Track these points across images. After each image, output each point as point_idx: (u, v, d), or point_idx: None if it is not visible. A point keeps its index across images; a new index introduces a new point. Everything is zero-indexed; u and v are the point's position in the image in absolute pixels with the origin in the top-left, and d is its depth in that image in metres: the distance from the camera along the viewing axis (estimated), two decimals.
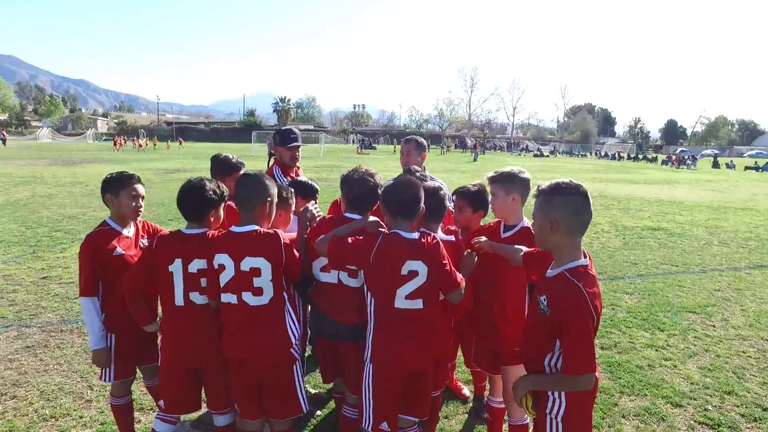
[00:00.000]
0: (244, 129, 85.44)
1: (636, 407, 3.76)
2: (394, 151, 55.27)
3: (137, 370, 3.06)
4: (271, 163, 4.24)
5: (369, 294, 2.56)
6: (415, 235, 2.52)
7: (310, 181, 3.39)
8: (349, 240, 2.53)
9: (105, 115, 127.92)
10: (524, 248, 2.67)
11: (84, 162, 29.06)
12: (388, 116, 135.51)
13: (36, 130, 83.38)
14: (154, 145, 57.63)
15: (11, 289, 5.95)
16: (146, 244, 2.88)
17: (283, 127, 4.20)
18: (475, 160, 44.22)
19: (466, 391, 3.88)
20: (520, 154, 68.10)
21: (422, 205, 2.59)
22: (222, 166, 3.50)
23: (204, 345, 2.60)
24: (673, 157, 52.02)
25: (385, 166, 29.67)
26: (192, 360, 2.64)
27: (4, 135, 57.83)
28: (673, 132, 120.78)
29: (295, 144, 4.09)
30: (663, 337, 5.10)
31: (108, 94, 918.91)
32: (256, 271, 2.47)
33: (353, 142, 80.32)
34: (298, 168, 4.30)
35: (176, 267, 2.56)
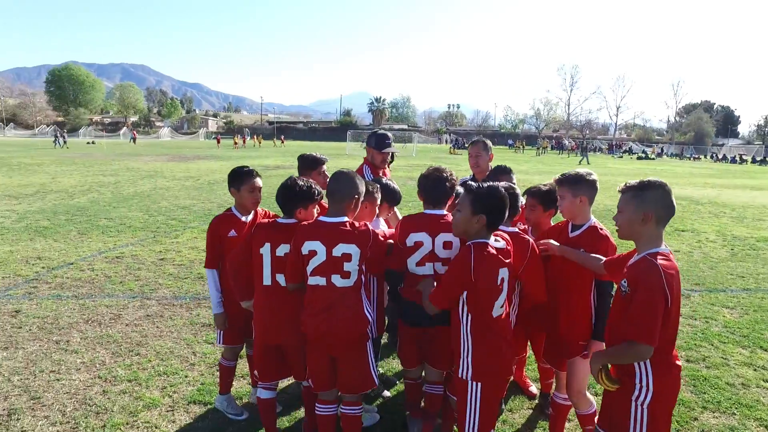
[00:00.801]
0: (340, 128, 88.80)
1: (720, 425, 3.55)
2: None
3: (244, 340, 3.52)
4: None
5: (465, 310, 2.55)
6: (502, 243, 2.60)
7: (396, 188, 3.55)
8: (443, 280, 2.62)
9: (215, 116, 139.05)
10: (602, 257, 2.74)
11: (196, 158, 32.08)
12: (483, 116, 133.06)
13: (158, 130, 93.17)
14: (259, 143, 62.22)
15: (136, 267, 6.93)
16: None
17: (380, 131, 4.38)
18: (587, 162, 40.66)
19: (534, 388, 3.91)
20: (621, 156, 63.30)
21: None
22: (307, 162, 3.82)
23: (286, 323, 2.91)
24: None
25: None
26: (274, 337, 2.95)
27: (135, 135, 65.53)
28: None
29: (389, 150, 4.36)
30: (766, 357, 4.69)
31: (218, 95, 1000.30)
32: (347, 257, 2.70)
33: (446, 142, 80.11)
34: (387, 168, 4.56)
35: (265, 250, 2.88)
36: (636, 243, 2.33)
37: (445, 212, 2.95)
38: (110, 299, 5.66)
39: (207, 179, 18.92)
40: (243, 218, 3.36)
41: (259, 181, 3.34)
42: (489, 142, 4.39)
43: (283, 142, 66.12)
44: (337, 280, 2.74)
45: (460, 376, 2.59)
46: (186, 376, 3.95)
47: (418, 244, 2.86)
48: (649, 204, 2.23)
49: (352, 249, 2.72)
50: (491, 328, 2.54)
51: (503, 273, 2.53)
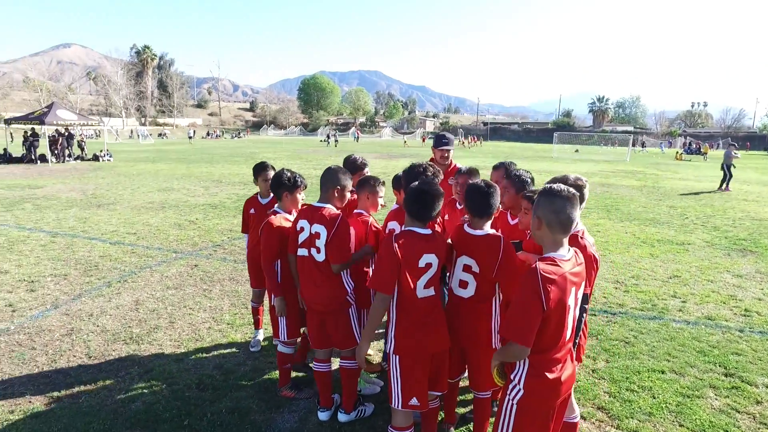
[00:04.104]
0: (556, 130, 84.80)
1: None
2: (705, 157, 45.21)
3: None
4: None
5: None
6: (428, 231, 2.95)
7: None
8: None
9: (434, 116, 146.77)
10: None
11: (401, 157, 35.02)
12: (734, 115, 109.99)
13: (381, 130, 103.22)
14: (467, 143, 64.88)
15: None
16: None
17: (440, 132, 4.98)
18: None
19: None
20: None
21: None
22: (350, 166, 4.37)
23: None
24: None
25: (697, 174, 24.78)
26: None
27: (359, 134, 74.39)
28: None
29: (443, 147, 4.84)
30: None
31: (441, 97, 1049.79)
32: (318, 235, 3.28)
33: (679, 145, 69.18)
34: (452, 165, 4.89)
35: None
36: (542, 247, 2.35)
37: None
38: None
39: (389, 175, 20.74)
40: (262, 200, 4.50)
41: (271, 173, 4.27)
42: (512, 165, 4.23)
43: (478, 142, 67.17)
44: (315, 254, 3.31)
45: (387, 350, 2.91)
46: (265, 329, 5.00)
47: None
48: (539, 209, 2.29)
49: (321, 229, 3.27)
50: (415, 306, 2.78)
51: (429, 258, 2.77)
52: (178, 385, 3.90)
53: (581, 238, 2.74)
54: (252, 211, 4.52)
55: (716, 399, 3.91)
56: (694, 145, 54.27)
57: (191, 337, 4.81)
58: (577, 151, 54.24)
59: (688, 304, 6.05)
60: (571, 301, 2.24)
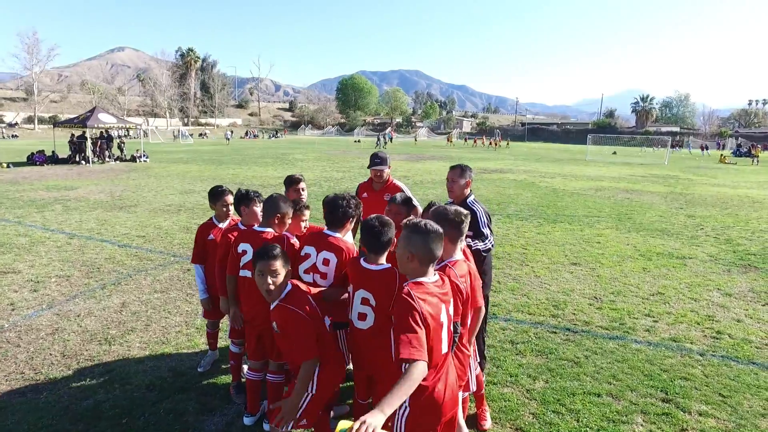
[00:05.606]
0: (596, 130, 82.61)
1: None
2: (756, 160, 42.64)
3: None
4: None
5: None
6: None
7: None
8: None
9: (473, 116, 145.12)
10: None
11: (431, 158, 35.02)
12: None
13: (417, 130, 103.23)
14: (506, 143, 64.88)
15: None
16: None
17: (373, 152, 5.10)
18: None
19: (489, 423, 3.90)
20: None
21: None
22: (288, 181, 4.61)
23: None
24: None
25: (736, 180, 23.56)
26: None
27: (393, 134, 74.76)
28: None
29: (376, 168, 4.95)
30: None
31: (482, 96, 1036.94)
32: None
33: (727, 147, 65.86)
34: (390, 181, 5.06)
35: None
36: (408, 276, 2.58)
37: (335, 234, 3.49)
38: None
39: (419, 178, 20.89)
40: (220, 225, 4.42)
41: (229, 198, 4.35)
42: (467, 168, 4.32)
43: (506, 144, 66.20)
44: None
45: None
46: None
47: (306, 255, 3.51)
48: (413, 246, 2.48)
49: None
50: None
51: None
52: (131, 385, 4.27)
53: (450, 267, 2.88)
54: (211, 237, 4.30)
55: (642, 425, 3.93)
56: (744, 147, 51.39)
57: (159, 340, 5.20)
58: (614, 153, 52.55)
59: (659, 323, 5.98)
60: (443, 318, 2.46)
